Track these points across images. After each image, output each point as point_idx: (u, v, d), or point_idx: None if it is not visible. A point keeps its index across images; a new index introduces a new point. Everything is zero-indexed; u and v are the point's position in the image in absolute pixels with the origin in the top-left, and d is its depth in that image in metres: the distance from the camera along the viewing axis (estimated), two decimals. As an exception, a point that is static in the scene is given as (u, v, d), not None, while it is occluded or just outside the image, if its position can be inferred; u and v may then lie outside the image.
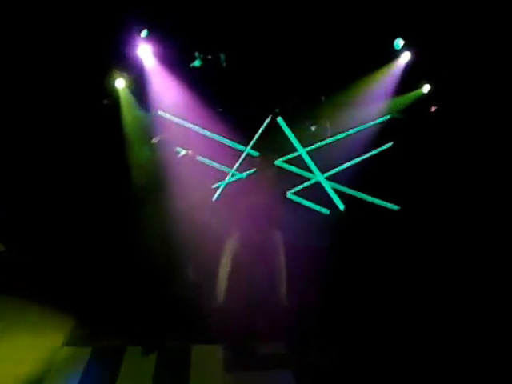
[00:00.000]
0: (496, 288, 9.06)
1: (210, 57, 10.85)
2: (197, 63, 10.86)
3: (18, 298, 9.15)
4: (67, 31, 9.79)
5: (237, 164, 10.66)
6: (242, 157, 10.86)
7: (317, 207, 10.83)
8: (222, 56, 10.83)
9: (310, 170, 11.10)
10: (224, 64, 10.87)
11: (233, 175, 10.83)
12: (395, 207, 10.72)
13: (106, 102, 10.53)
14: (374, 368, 7.89)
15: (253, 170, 10.56)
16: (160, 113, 10.82)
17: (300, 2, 10.12)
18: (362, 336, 8.40)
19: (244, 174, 10.57)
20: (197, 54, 10.73)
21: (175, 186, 9.55)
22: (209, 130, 10.91)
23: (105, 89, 10.36)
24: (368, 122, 11.14)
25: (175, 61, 10.57)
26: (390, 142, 11.10)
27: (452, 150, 10.56)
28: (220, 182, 10.89)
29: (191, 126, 10.93)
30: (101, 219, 10.03)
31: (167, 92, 10.61)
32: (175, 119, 10.88)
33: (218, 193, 10.81)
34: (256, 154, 10.94)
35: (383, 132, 11.12)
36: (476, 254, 9.59)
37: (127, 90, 10.50)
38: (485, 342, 8.05)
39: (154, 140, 10.47)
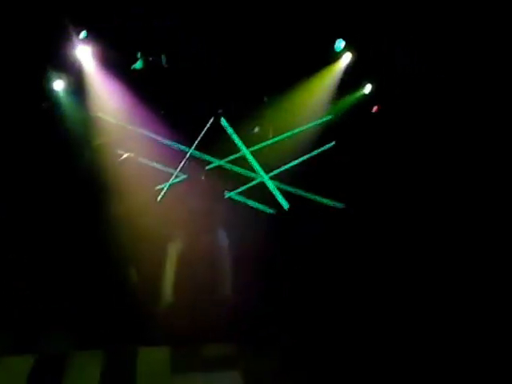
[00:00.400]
0: (439, 285, 9.17)
1: (151, 58, 10.78)
2: (138, 65, 10.78)
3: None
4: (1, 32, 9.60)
5: (180, 165, 10.58)
6: (185, 158, 10.78)
7: (261, 207, 10.86)
8: (164, 57, 10.77)
9: (254, 171, 11.13)
10: (166, 65, 10.81)
11: (176, 177, 10.72)
12: (339, 205, 10.80)
13: (44, 105, 10.33)
14: (321, 367, 7.91)
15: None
16: (101, 115, 10.64)
17: (242, 3, 10.09)
18: (310, 336, 8.42)
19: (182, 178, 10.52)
20: (139, 54, 10.65)
21: (118, 189, 9.46)
22: (152, 132, 10.82)
23: (43, 91, 10.19)
24: (310, 123, 11.18)
25: (116, 62, 10.42)
26: (332, 141, 11.16)
27: (393, 149, 10.69)
28: (163, 184, 10.78)
29: (133, 128, 10.81)
30: (41, 222, 9.85)
31: (108, 94, 10.45)
32: (117, 121, 10.73)
33: (161, 195, 10.70)
34: (200, 155, 10.91)
35: (325, 132, 11.17)
36: (419, 251, 9.71)
37: (66, 93, 10.33)
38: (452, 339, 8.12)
39: (96, 143, 10.35)
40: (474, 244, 9.60)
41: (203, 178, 9.87)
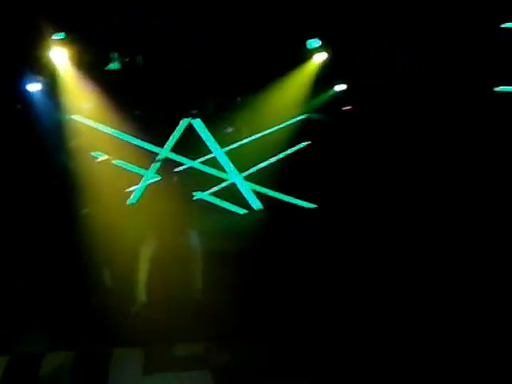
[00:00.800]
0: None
1: (127, 59, 10.82)
2: (113, 66, 10.81)
3: None
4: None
5: (152, 167, 10.71)
6: (158, 159, 10.90)
7: (234, 208, 10.97)
8: (139, 58, 10.82)
9: (226, 171, 11.24)
10: (141, 66, 10.85)
11: (149, 178, 10.82)
12: (312, 206, 10.92)
13: (19, 106, 10.41)
14: (292, 365, 7.95)
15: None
16: (76, 117, 10.73)
17: (216, 3, 10.14)
18: (280, 335, 8.46)
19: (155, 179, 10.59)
20: (113, 55, 10.68)
21: (92, 191, 9.51)
22: (126, 133, 10.89)
23: (18, 93, 10.26)
24: (284, 122, 11.27)
25: (90, 63, 10.49)
26: (305, 141, 11.26)
27: (366, 147, 10.78)
28: (136, 186, 10.88)
29: (108, 129, 10.88)
30: (15, 223, 9.88)
31: (83, 95, 10.54)
32: (91, 123, 10.82)
33: (133, 196, 10.81)
34: (173, 155, 11.00)
35: (299, 132, 11.27)
36: (394, 251, 9.72)
37: (41, 94, 10.38)
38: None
39: (71, 145, 10.38)
40: (452, 239, 9.70)
41: (176, 179, 9.89)
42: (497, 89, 10.26)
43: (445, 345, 7.69)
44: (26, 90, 10.34)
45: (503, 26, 9.94)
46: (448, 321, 8.17)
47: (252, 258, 9.79)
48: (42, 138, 10.21)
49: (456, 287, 8.80)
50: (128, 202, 10.74)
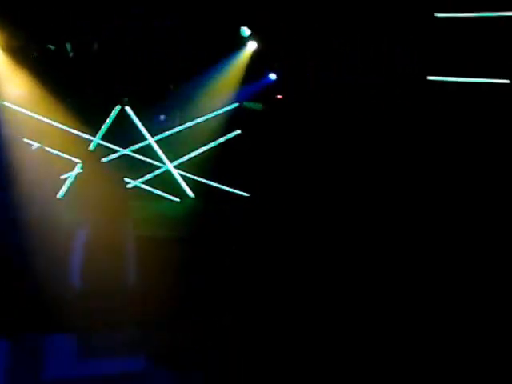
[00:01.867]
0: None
1: (51, 47, 10.75)
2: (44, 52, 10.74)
3: None
4: None
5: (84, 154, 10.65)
6: (90, 147, 10.86)
7: (167, 196, 11.02)
8: (69, 45, 10.74)
9: (159, 159, 11.25)
10: (71, 54, 10.78)
11: (81, 166, 10.76)
12: (245, 194, 11.04)
13: None
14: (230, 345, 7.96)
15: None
16: (6, 103, 10.59)
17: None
18: (216, 321, 8.48)
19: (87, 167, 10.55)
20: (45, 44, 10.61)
21: (24, 180, 9.44)
22: (58, 121, 10.79)
23: None
24: (216, 110, 11.33)
25: (21, 50, 10.44)
26: (237, 129, 11.36)
27: (299, 137, 10.92)
28: (68, 174, 10.81)
29: (40, 117, 10.76)
30: None
31: (14, 82, 10.44)
32: (23, 110, 10.68)
33: (65, 184, 10.73)
34: (106, 143, 10.98)
35: (231, 120, 11.37)
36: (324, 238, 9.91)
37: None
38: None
39: (2, 132, 10.24)
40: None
41: (109, 166, 9.86)
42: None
43: (440, 345, 7.85)
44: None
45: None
46: (434, 320, 8.28)
47: (185, 244, 9.84)
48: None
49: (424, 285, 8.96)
50: (61, 189, 10.65)
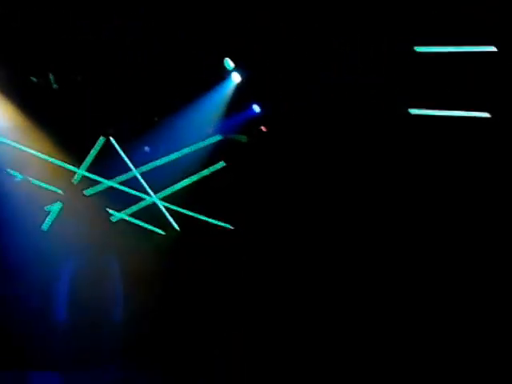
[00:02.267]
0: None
1: (34, 79, 10.67)
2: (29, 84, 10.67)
3: None
4: None
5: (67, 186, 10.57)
6: (76, 179, 10.80)
7: (151, 228, 10.97)
8: (52, 77, 10.69)
9: (144, 191, 11.19)
10: (55, 85, 10.73)
11: (65, 197, 10.68)
12: (228, 226, 10.99)
13: None
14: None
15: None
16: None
17: (132, 23, 10.07)
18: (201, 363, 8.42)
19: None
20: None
21: (7, 211, 9.34)
22: (42, 152, 10.71)
23: None
24: (200, 142, 11.27)
25: (4, 80, 10.30)
26: (221, 161, 11.30)
27: (283, 168, 10.95)
28: (51, 206, 10.71)
29: (23, 147, 10.68)
30: None
31: (-1, 113, 10.37)
32: (7, 141, 10.60)
33: (49, 217, 10.64)
34: (90, 175, 10.91)
35: (215, 152, 11.32)
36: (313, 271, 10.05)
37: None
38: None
39: None
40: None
41: (93, 198, 9.76)
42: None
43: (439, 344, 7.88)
44: None
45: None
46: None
47: (170, 277, 9.81)
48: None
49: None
50: (45, 221, 10.56)
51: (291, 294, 9.63)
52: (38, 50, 10.22)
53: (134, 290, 9.05)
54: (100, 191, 10.91)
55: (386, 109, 10.63)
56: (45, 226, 10.47)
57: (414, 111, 10.51)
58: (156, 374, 8.24)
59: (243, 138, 11.40)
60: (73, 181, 10.64)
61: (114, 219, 10.60)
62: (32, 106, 10.51)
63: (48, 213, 10.61)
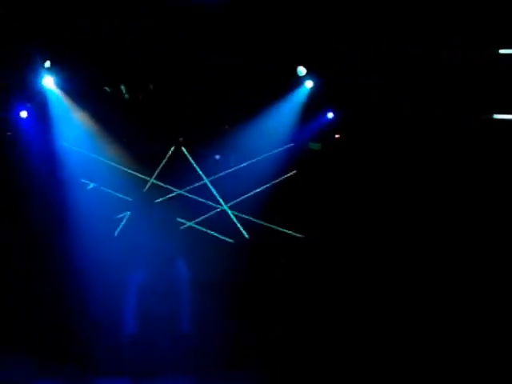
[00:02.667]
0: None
1: (108, 89, 10.85)
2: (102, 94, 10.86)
3: None
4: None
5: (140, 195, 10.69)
6: (146, 187, 10.92)
7: (222, 237, 10.92)
8: (124, 87, 10.85)
9: (214, 200, 11.20)
10: (126, 95, 10.89)
11: (136, 206, 10.79)
12: (299, 235, 10.86)
13: (9, 133, 10.48)
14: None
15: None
16: (64, 144, 10.73)
17: (202, 32, 10.19)
18: (270, 368, 8.42)
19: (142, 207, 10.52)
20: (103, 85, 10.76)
21: (80, 218, 9.53)
22: (114, 161, 10.90)
23: (8, 120, 10.35)
24: (272, 150, 11.24)
25: (79, 91, 10.54)
26: (293, 170, 11.24)
27: (356, 176, 10.78)
28: (123, 214, 10.85)
29: (96, 156, 10.89)
30: (4, 252, 9.95)
31: (71, 123, 10.59)
32: (80, 150, 10.83)
33: (121, 225, 10.77)
34: (161, 184, 11.01)
35: (287, 160, 11.24)
36: (381, 285, 9.87)
37: (31, 121, 10.44)
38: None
39: (61, 172, 10.44)
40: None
41: (163, 207, 9.82)
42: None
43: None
44: (17, 117, 10.41)
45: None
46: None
47: (240, 288, 9.81)
48: (32, 165, 10.29)
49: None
50: (116, 229, 10.70)
51: (363, 302, 9.51)
52: (110, 61, 10.40)
53: (203, 298, 9.06)
54: (171, 200, 10.99)
55: (463, 116, 10.40)
56: (115, 234, 10.63)
57: (497, 116, 10.27)
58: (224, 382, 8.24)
59: (317, 146, 11.28)
60: (144, 189, 10.74)
61: (183, 227, 10.64)
62: (104, 116, 10.71)
63: (119, 220, 10.77)
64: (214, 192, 11.15)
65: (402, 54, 10.15)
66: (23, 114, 10.42)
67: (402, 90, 10.42)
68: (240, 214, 11.12)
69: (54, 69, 10.25)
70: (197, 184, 11.16)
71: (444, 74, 10.16)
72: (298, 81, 10.82)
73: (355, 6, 9.94)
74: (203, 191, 11.16)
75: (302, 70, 10.74)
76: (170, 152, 11.10)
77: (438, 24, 9.78)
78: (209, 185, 11.18)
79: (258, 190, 11.16)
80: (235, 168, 11.28)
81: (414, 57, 10.11)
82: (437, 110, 10.39)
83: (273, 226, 11.02)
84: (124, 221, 10.72)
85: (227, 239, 10.90)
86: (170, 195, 11.04)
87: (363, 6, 9.92)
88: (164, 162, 11.03)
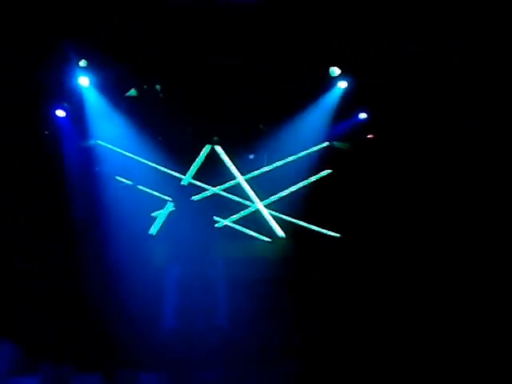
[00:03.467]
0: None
1: (145, 87, 10.94)
2: (133, 92, 10.95)
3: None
4: (6, 61, 9.76)
5: (175, 193, 10.76)
6: (181, 185, 10.98)
7: (257, 235, 11.00)
8: (158, 86, 10.93)
9: (249, 198, 11.27)
10: (161, 94, 10.97)
11: (172, 204, 10.87)
12: (336, 235, 10.91)
13: (46, 132, 10.57)
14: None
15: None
16: (100, 142, 10.87)
17: (236, 33, 10.24)
18: (301, 365, 8.43)
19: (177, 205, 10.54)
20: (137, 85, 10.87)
21: (116, 216, 9.62)
22: (149, 159, 11.02)
23: (45, 119, 10.44)
24: (306, 150, 11.34)
25: (114, 91, 10.68)
26: (327, 169, 11.32)
27: (389, 175, 10.81)
28: (159, 212, 10.93)
29: (131, 155, 11.01)
30: (42, 249, 10.00)
31: (107, 121, 10.72)
32: (115, 148, 10.95)
33: (156, 222, 10.83)
34: (196, 182, 11.10)
35: (321, 159, 11.35)
36: (417, 282, 9.79)
37: (68, 120, 10.55)
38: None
39: (95, 169, 10.58)
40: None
41: (198, 205, 9.85)
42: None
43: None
44: (54, 117, 10.51)
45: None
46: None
47: (276, 285, 9.84)
48: (69, 163, 10.42)
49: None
50: (152, 227, 10.77)
51: (398, 299, 9.53)
52: (145, 62, 10.49)
53: (238, 294, 9.10)
54: (206, 198, 11.07)
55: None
56: (152, 231, 10.69)
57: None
58: (259, 375, 8.24)
59: (349, 146, 11.36)
60: (179, 187, 10.77)
61: (219, 225, 10.66)
62: (139, 115, 10.81)
63: (155, 218, 10.83)
64: (249, 190, 11.21)
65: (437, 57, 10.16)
66: (60, 113, 10.52)
67: (432, 91, 10.40)
68: (275, 213, 11.16)
69: (90, 68, 10.37)
70: (232, 183, 11.25)
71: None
72: (332, 82, 10.91)
73: (387, 7, 9.94)
74: (238, 190, 11.25)
75: (335, 71, 10.82)
76: (205, 151, 11.19)
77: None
78: (243, 184, 11.25)
79: (293, 188, 11.23)
80: (270, 167, 11.35)
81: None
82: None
83: (308, 225, 11.04)
84: (160, 218, 10.76)
85: (263, 237, 10.94)
86: (206, 194, 11.13)
87: (395, 8, 9.93)
88: (199, 160, 11.12)
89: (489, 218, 10.21)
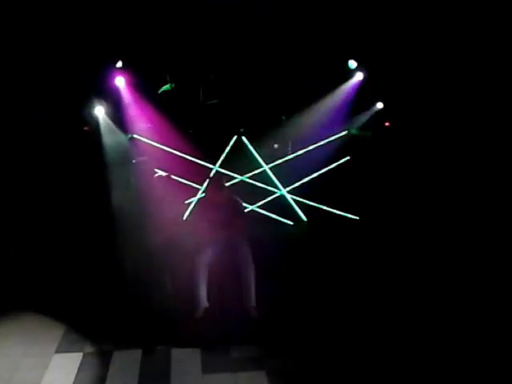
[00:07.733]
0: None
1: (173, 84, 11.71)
2: (165, 88, 11.68)
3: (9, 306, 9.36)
4: (50, 64, 10.46)
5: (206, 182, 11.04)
6: (211, 174, 11.48)
7: (282, 219, 11.59)
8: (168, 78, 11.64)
9: (274, 185, 11.92)
10: (173, 84, 11.71)
11: (203, 192, 11.33)
12: (355, 217, 11.53)
13: (86, 128, 11.26)
14: (347, 367, 7.99)
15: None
16: (136, 136, 11.56)
17: (260, 26, 10.78)
18: (329, 341, 8.57)
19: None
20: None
21: (152, 204, 10.13)
22: (181, 151, 11.66)
23: (85, 117, 11.10)
24: (326, 139, 11.99)
25: (148, 88, 11.39)
26: (347, 156, 11.99)
27: (405, 162, 11.33)
28: (192, 199, 11.59)
29: (165, 147, 11.66)
30: (85, 235, 10.65)
31: (142, 117, 11.42)
32: (150, 142, 11.61)
33: (189, 209, 11.43)
34: (224, 171, 11.75)
35: (341, 147, 11.98)
36: (434, 264, 9.87)
37: (106, 117, 11.22)
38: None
39: (133, 162, 11.21)
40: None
41: (226, 192, 10.21)
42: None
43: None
44: (94, 114, 11.17)
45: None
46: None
47: (299, 266, 10.24)
48: (108, 156, 11.11)
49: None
50: (186, 212, 11.40)
51: (421, 285, 9.42)
52: (174, 54, 11.24)
53: (264, 278, 9.42)
54: (233, 185, 11.64)
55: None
56: (186, 217, 11.32)
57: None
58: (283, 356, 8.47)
59: (368, 134, 11.99)
60: (210, 176, 11.26)
61: (246, 211, 11.06)
62: (170, 109, 11.50)
63: (188, 205, 11.50)
64: (273, 178, 11.88)
65: (448, 49, 10.73)
66: (99, 110, 11.16)
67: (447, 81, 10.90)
68: (298, 198, 11.81)
69: (125, 68, 11.09)
70: (257, 171, 11.92)
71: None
72: (350, 73, 11.58)
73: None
74: (264, 177, 11.91)
75: (352, 64, 11.49)
76: (232, 142, 11.87)
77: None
78: (268, 171, 11.93)
79: (314, 175, 11.89)
80: (293, 155, 12.01)
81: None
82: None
83: (329, 209, 11.70)
84: (193, 204, 11.41)
85: (286, 221, 11.59)
86: (233, 181, 11.77)
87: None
88: (227, 150, 11.82)
89: (503, 201, 10.58)
